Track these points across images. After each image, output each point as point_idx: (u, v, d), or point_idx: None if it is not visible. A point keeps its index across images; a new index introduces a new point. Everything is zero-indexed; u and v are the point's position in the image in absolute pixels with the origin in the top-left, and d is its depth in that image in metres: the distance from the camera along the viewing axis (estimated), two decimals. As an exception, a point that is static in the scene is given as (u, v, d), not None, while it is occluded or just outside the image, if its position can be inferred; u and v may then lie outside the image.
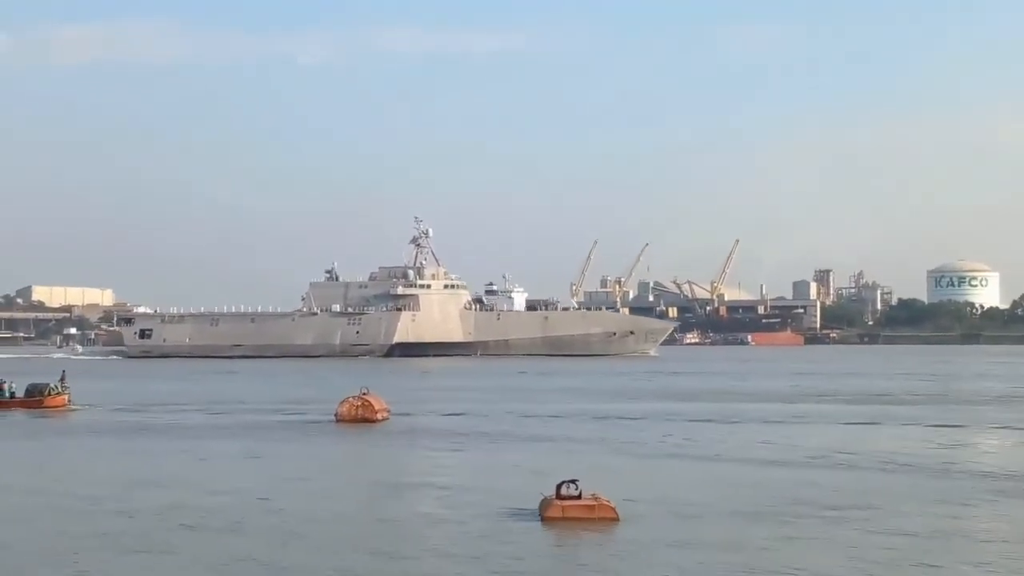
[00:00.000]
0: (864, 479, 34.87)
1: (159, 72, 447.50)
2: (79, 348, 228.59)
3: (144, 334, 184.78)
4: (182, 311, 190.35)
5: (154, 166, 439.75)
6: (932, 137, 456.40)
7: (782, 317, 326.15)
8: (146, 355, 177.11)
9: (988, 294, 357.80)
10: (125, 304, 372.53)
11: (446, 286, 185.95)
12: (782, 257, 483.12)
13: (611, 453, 43.44)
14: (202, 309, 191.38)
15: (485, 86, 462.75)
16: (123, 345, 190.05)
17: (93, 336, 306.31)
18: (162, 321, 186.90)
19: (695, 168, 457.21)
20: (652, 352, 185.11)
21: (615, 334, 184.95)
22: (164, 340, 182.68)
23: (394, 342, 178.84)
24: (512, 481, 35.26)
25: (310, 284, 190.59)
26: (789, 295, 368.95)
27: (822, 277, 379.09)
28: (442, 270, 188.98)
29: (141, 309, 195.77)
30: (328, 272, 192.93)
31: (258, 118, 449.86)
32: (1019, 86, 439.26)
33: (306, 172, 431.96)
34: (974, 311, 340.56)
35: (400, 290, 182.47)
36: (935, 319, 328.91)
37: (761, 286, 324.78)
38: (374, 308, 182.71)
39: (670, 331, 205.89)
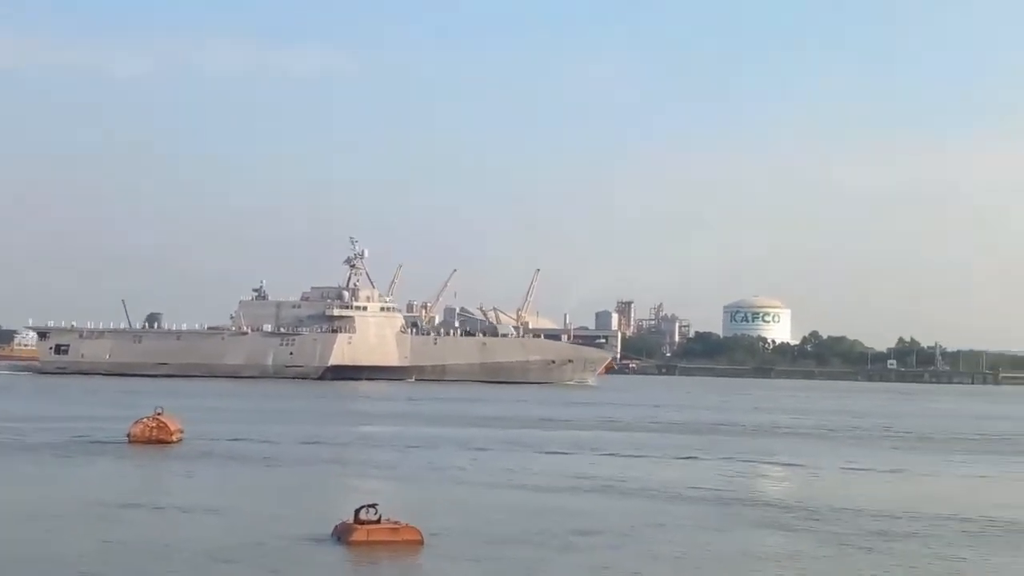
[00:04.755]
0: (640, 505, 34.14)
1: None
2: None
3: (60, 349, 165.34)
4: (101, 326, 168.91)
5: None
6: (731, 175, 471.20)
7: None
8: (61, 371, 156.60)
9: (780, 330, 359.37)
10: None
11: (382, 308, 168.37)
12: (587, 288, 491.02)
13: (399, 478, 40.70)
14: (122, 325, 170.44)
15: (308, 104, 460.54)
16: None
17: None
18: (80, 336, 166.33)
19: (502, 193, 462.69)
20: (590, 381, 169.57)
21: (554, 362, 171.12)
22: (82, 356, 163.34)
23: (329, 364, 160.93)
24: (302, 505, 32.54)
25: (240, 302, 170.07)
26: (592, 325, 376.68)
27: (624, 308, 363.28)
28: (376, 292, 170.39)
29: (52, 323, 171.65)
30: (256, 290, 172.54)
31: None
32: (837, 131, 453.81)
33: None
34: (766, 345, 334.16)
35: (336, 311, 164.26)
36: (730, 352, 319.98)
37: (565, 315, 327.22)
38: (307, 329, 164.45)
39: (608, 360, 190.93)
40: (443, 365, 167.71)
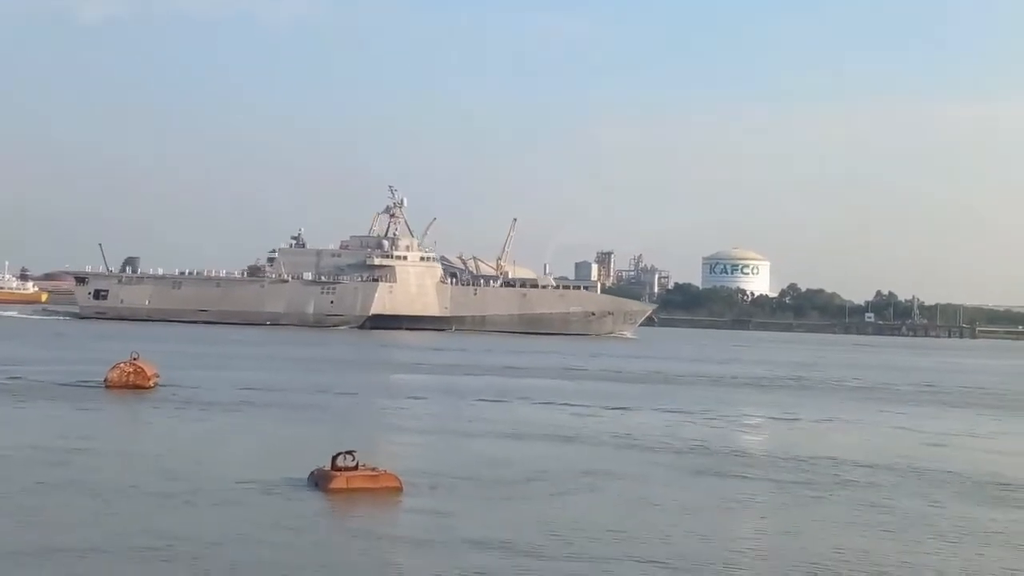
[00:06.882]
0: (600, 454, 33.10)
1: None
2: None
3: (99, 294, 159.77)
4: (141, 272, 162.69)
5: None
6: (713, 128, 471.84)
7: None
8: (100, 316, 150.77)
9: (759, 282, 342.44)
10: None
11: (422, 258, 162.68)
12: (568, 239, 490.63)
13: (387, 427, 39.33)
14: (160, 271, 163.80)
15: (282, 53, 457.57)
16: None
17: None
18: (119, 282, 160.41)
19: (487, 146, 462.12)
20: (629, 334, 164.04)
21: (594, 314, 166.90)
22: (121, 301, 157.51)
23: (370, 314, 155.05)
24: (277, 451, 30.85)
25: (278, 250, 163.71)
26: (572, 275, 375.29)
27: (603, 259, 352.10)
28: (416, 242, 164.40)
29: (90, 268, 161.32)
30: (295, 239, 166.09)
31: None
32: (808, 83, 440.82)
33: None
34: (745, 298, 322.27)
35: (376, 260, 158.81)
36: (708, 304, 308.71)
37: (544, 265, 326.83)
38: (348, 277, 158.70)
39: (648, 313, 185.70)
40: (483, 316, 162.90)
